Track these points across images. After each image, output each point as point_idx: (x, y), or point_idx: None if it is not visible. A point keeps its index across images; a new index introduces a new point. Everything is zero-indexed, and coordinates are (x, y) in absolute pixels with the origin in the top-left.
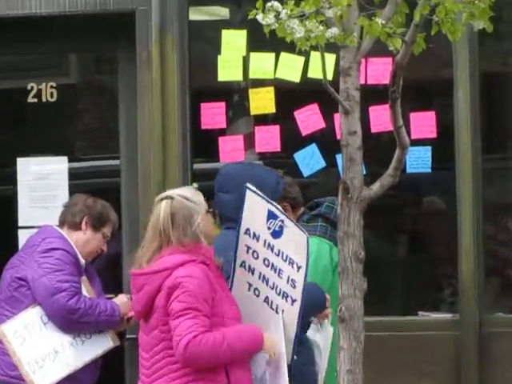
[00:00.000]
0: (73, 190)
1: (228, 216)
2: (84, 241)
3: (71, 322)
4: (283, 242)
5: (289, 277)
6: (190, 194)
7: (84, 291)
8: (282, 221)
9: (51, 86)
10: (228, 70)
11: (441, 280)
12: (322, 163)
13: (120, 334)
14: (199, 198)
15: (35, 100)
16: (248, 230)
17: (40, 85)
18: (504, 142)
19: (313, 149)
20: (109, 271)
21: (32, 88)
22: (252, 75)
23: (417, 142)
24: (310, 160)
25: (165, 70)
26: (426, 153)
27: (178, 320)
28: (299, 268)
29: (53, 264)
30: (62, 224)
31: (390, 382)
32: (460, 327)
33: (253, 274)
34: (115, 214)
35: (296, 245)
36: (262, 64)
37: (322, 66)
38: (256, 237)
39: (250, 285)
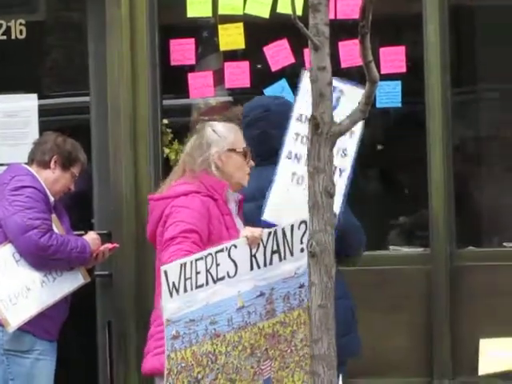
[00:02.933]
0: (43, 127)
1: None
2: (53, 179)
3: (43, 258)
4: (336, 114)
5: (339, 147)
6: (220, 128)
7: (54, 228)
8: (341, 90)
9: (20, 23)
10: (197, 5)
11: (412, 214)
12: (291, 99)
13: (89, 270)
14: (230, 134)
15: (4, 37)
16: (301, 115)
17: (9, 22)
18: (473, 76)
19: (282, 84)
20: (76, 208)
21: (1, 25)
22: (221, 11)
23: (387, 77)
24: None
25: (133, 6)
26: (395, 87)
27: (164, 251)
28: (352, 134)
29: (24, 202)
30: (31, 162)
31: (361, 317)
32: (431, 261)
33: (299, 161)
34: (84, 154)
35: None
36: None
37: (291, 1)
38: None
39: (294, 174)
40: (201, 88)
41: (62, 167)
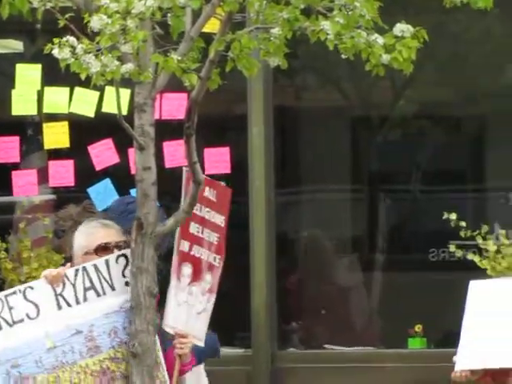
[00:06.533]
0: None
1: None
2: None
3: None
4: None
5: None
6: (76, 236)
7: None
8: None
9: None
10: (22, 104)
11: (234, 314)
12: (115, 197)
13: None
14: (82, 240)
15: None
16: None
17: None
18: (297, 176)
19: (106, 183)
20: None
21: None
22: (46, 109)
23: (212, 177)
24: (103, 194)
25: None
26: None
27: None
28: None
29: None
30: None
31: None
32: (252, 362)
33: None
34: None
35: None
36: (57, 98)
37: (116, 102)
38: None
39: None
40: (24, 186)
41: None
